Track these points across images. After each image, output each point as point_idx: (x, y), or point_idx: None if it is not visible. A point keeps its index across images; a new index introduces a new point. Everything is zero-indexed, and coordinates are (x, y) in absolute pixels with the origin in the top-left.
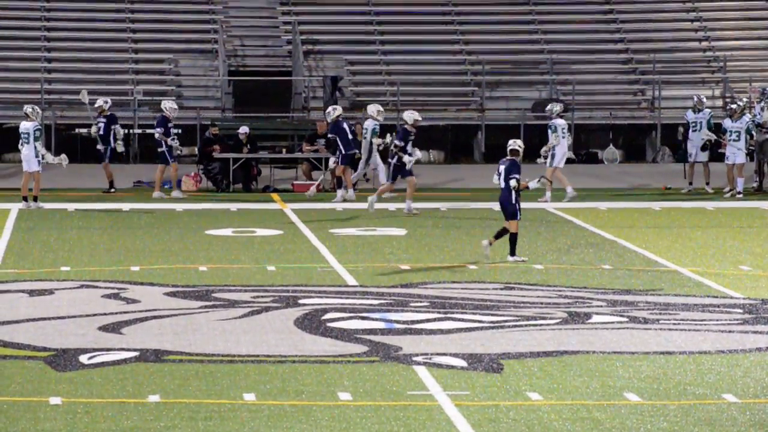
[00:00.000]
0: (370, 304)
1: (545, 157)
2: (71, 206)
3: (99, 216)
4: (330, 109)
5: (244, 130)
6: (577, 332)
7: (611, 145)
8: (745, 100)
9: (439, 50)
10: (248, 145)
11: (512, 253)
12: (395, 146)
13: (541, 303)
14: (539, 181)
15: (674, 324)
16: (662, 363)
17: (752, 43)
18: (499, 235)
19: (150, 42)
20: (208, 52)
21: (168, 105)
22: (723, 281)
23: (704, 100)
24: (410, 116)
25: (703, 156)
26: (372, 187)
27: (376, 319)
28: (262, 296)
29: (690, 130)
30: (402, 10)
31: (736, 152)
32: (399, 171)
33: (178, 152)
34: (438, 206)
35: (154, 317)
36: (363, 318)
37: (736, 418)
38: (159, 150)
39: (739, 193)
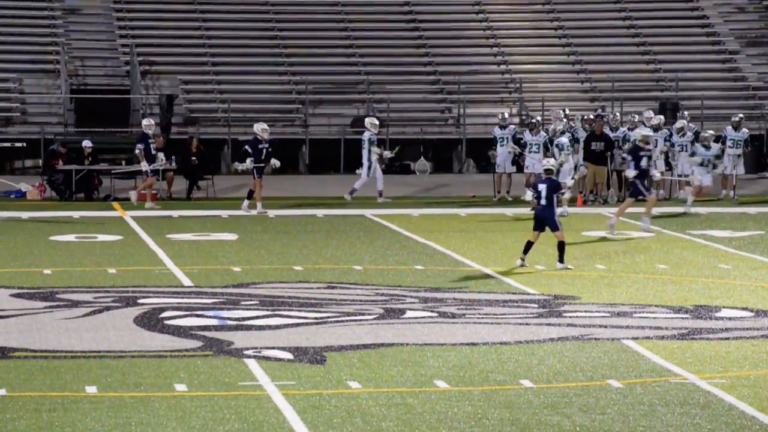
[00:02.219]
0: (205, 303)
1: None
2: None
3: None
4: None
5: (87, 143)
6: (392, 326)
7: (422, 158)
8: (538, 118)
9: (267, 71)
10: (89, 158)
11: (561, 260)
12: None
13: (360, 300)
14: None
15: (478, 318)
16: (468, 353)
17: (544, 67)
18: (526, 250)
19: None
20: (51, 71)
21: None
22: (521, 279)
23: (507, 116)
24: (258, 127)
25: (512, 168)
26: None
27: (210, 317)
28: (103, 296)
29: (498, 144)
30: (232, 34)
31: (535, 163)
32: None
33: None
34: (267, 213)
35: (0, 317)
36: (198, 316)
37: (532, 401)
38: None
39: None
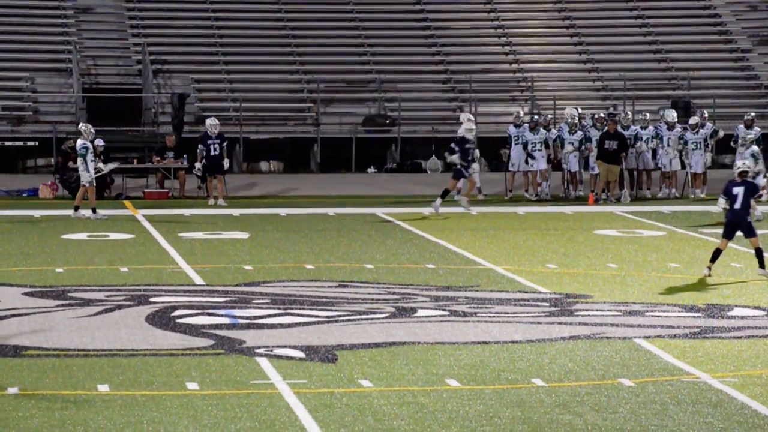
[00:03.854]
0: (216, 302)
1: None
2: None
3: None
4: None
5: (99, 142)
6: (404, 325)
7: (433, 156)
8: (545, 116)
9: (278, 69)
10: (101, 156)
11: (762, 266)
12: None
13: (372, 299)
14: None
15: (490, 317)
16: (479, 352)
17: (556, 66)
18: (714, 258)
19: (8, 61)
20: (63, 70)
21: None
22: (532, 278)
23: (522, 115)
24: (208, 122)
25: (526, 166)
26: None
27: (222, 315)
28: (115, 295)
29: (513, 143)
30: (244, 33)
31: (539, 160)
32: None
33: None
34: (278, 212)
35: (13, 315)
36: (209, 314)
37: (543, 400)
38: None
39: (536, 195)
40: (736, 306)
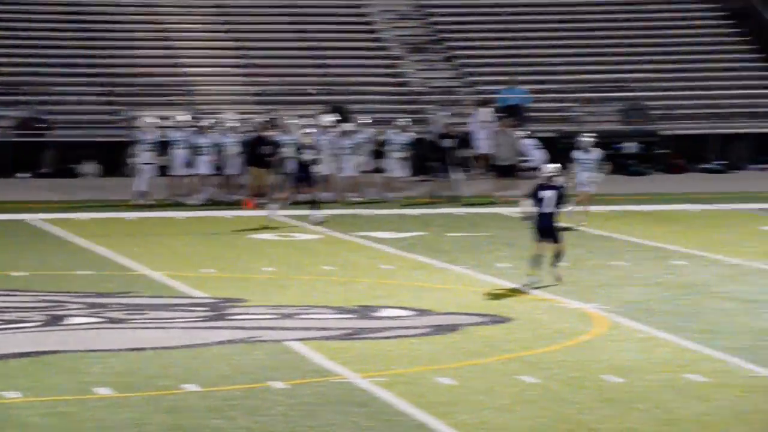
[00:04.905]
0: None
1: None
2: None
3: None
4: None
5: None
6: (55, 333)
7: (94, 161)
8: (210, 120)
9: None
10: None
11: (554, 264)
12: None
13: (22, 307)
14: None
15: (144, 323)
16: (133, 358)
17: (216, 70)
18: (535, 265)
19: None
20: None
21: None
22: (189, 283)
23: (181, 120)
24: None
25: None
26: None
27: None
28: None
29: (175, 147)
30: None
31: (202, 164)
32: None
33: None
34: None
35: None
36: None
37: (196, 405)
38: None
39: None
40: (385, 307)
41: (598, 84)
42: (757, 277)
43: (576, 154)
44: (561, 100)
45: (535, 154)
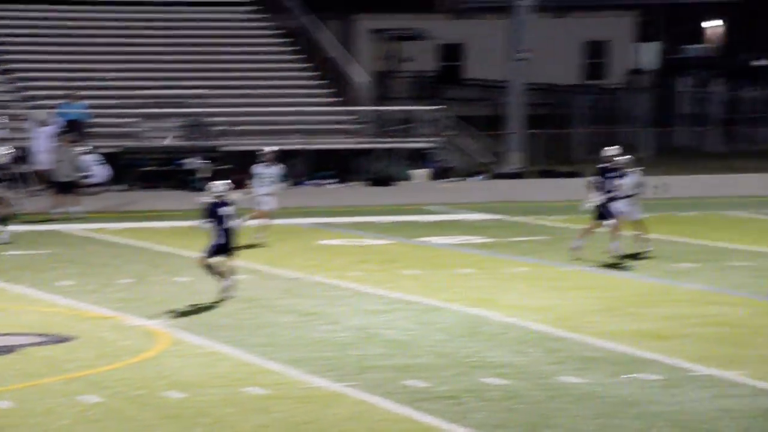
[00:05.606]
0: None
1: None
2: None
3: None
4: None
5: None
6: None
7: None
8: None
9: None
10: None
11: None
12: None
13: None
14: None
15: None
16: None
17: None
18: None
19: None
20: None
21: None
22: None
23: None
24: None
25: None
26: None
27: None
28: None
29: None
30: None
31: None
32: None
33: None
34: None
35: None
36: None
37: None
38: None
39: None
40: None
41: (159, 99)
42: (314, 289)
43: (256, 169)
44: (122, 116)
45: (96, 170)
